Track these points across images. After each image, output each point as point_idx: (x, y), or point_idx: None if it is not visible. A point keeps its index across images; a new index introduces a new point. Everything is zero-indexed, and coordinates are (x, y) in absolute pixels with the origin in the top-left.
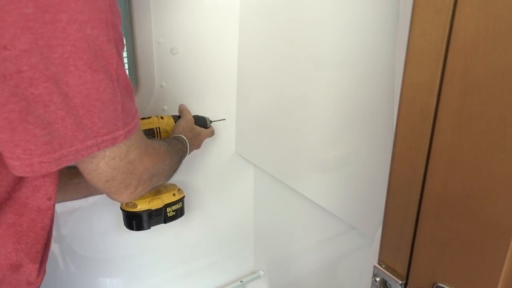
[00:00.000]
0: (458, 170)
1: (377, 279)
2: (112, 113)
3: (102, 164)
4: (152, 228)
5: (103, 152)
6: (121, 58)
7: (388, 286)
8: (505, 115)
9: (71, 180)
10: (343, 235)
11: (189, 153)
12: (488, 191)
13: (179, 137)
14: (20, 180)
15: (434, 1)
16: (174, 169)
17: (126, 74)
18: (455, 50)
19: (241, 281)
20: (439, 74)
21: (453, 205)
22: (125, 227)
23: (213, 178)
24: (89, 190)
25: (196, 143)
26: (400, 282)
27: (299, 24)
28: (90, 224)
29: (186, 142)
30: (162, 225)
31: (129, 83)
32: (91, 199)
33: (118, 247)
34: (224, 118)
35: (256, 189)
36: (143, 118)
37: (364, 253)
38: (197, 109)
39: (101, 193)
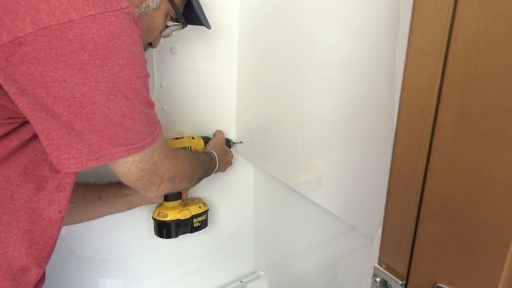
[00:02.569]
0: (458, 170)
1: (377, 279)
2: (140, 127)
3: (132, 167)
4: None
5: (133, 157)
6: (147, 87)
7: (389, 286)
8: (506, 115)
9: (119, 193)
10: (343, 235)
11: (216, 171)
12: (489, 191)
13: (208, 152)
14: (37, 192)
15: (435, 0)
16: (197, 175)
17: (150, 97)
18: (456, 49)
19: (241, 281)
20: (439, 74)
21: (453, 205)
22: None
23: (213, 178)
24: (132, 203)
25: (226, 160)
26: (401, 282)
27: (298, 24)
28: (90, 224)
29: (215, 156)
30: None
31: (152, 103)
32: None
33: (118, 247)
34: (241, 141)
35: (256, 189)
36: (176, 138)
37: (364, 253)
38: (196, 109)
39: (140, 204)
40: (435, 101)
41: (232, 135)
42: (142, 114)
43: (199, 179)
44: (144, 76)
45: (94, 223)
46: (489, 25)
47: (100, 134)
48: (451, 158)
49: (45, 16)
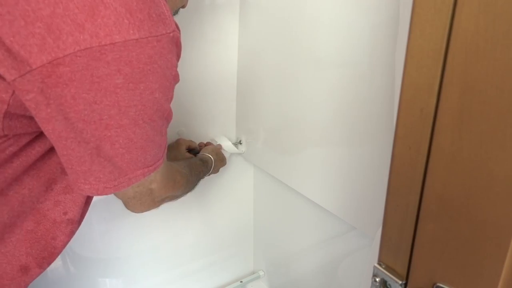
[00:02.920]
0: (458, 170)
1: (377, 279)
2: (158, 148)
3: (129, 190)
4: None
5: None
6: (170, 107)
7: (388, 286)
8: (505, 115)
9: None
10: (343, 235)
11: (208, 175)
12: (488, 191)
13: (208, 158)
14: (45, 193)
15: (434, 1)
16: (186, 193)
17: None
18: (455, 50)
19: (241, 281)
20: (439, 74)
21: (453, 205)
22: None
23: (212, 178)
24: None
25: (219, 165)
26: (400, 282)
27: (299, 24)
28: (90, 224)
29: (212, 164)
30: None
31: (170, 116)
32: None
33: (118, 248)
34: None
35: (256, 189)
36: None
37: (364, 253)
38: (197, 109)
39: None
40: (434, 101)
41: (232, 135)
42: (162, 135)
43: (186, 194)
44: (171, 98)
45: (94, 223)
46: (489, 25)
47: (121, 158)
48: (451, 158)
49: (88, 37)
